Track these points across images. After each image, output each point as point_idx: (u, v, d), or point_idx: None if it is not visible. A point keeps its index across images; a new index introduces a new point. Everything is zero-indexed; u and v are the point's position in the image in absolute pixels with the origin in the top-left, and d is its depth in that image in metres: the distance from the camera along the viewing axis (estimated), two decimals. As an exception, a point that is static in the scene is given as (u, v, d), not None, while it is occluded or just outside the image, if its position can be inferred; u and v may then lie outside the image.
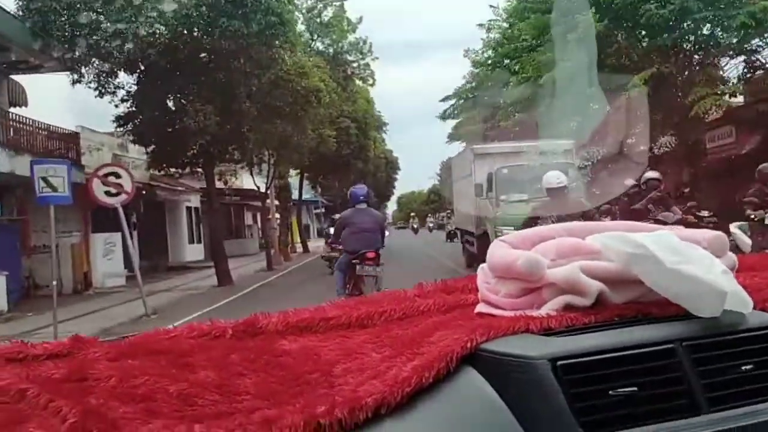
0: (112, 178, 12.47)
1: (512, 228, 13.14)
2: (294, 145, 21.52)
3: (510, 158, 14.55)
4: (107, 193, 12.40)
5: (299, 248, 35.00)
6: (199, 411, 0.89)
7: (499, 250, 1.21)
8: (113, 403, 0.89)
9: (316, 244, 45.28)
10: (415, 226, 52.76)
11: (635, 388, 0.95)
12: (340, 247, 9.18)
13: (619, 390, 0.94)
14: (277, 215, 29.43)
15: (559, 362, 0.94)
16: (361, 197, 8.86)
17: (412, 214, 66.16)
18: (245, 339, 1.20)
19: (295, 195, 34.62)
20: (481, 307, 1.23)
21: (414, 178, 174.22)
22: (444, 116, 30.17)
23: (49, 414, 0.86)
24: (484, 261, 1.26)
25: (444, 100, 30.04)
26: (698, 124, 17.27)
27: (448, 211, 63.76)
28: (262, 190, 25.40)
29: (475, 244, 15.58)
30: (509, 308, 1.17)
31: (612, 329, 1.06)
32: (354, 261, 8.60)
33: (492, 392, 0.95)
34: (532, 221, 7.05)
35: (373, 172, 65.80)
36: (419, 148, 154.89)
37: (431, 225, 60.97)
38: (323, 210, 58.56)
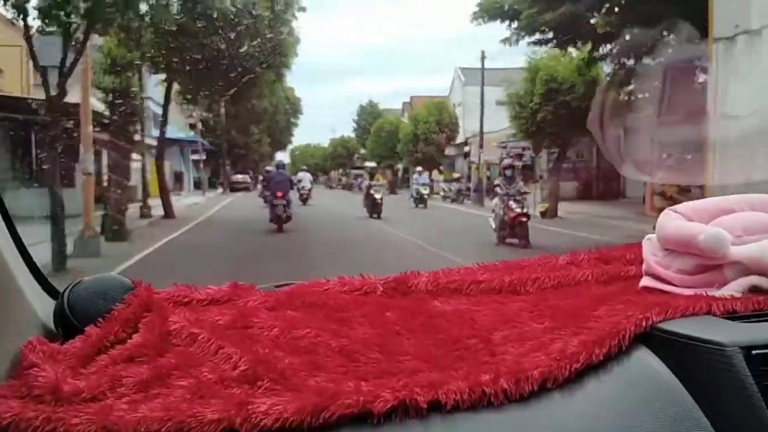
0: None
1: None
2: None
3: None
4: None
5: (157, 210, 21.09)
6: (362, 368, 0.89)
7: (673, 222, 1.09)
8: (278, 353, 0.90)
9: (192, 201, 31.29)
10: (378, 196, 21.97)
11: None
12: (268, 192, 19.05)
13: None
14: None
15: (754, 351, 0.84)
16: (281, 167, 20.19)
17: (371, 164, 38.07)
18: (396, 297, 1.18)
19: (153, 121, 20.36)
20: (646, 281, 1.12)
21: (310, 132, 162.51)
22: None
23: (219, 360, 0.88)
24: None
25: None
26: None
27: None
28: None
29: None
30: (682, 285, 1.06)
31: None
32: (271, 198, 17.56)
33: (671, 375, 0.88)
34: None
35: (272, 112, 51.45)
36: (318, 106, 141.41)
37: (425, 192, 29.62)
38: (204, 156, 44.03)
